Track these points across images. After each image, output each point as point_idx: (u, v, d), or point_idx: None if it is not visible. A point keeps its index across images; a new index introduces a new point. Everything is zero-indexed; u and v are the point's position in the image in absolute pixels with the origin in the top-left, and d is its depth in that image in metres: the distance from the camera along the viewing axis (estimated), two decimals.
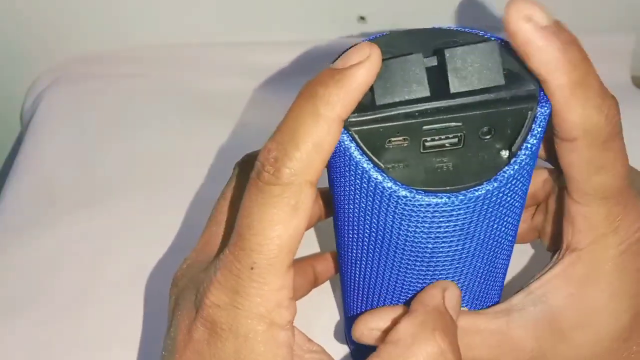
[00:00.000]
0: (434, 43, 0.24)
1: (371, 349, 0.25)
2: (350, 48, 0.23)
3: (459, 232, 0.24)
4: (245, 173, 0.28)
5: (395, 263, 0.26)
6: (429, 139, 0.23)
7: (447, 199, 0.23)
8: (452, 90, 0.23)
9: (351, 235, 0.27)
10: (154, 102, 0.53)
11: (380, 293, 0.28)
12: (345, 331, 0.37)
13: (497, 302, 0.31)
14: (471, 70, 0.23)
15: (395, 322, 0.26)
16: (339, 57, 0.23)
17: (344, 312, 0.33)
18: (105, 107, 0.53)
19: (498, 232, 0.25)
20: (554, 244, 0.31)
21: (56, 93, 0.54)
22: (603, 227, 0.26)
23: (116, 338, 0.38)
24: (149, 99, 0.53)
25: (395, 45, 0.24)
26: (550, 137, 0.25)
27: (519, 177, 0.24)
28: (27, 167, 0.49)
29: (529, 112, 0.23)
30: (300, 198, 0.23)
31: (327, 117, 0.22)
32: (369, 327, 0.26)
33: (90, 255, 0.42)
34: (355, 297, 0.30)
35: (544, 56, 0.22)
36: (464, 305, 0.29)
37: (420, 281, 0.26)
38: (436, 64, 0.23)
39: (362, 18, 0.55)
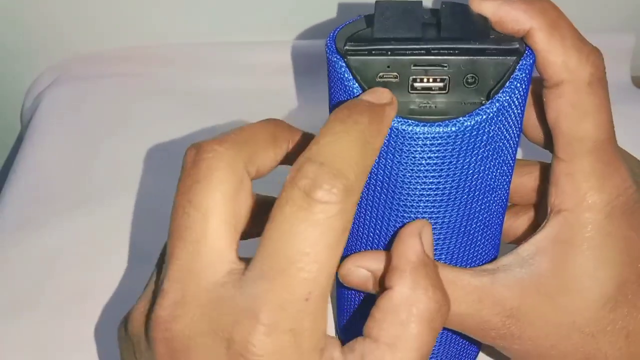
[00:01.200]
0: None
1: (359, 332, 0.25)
2: (378, 89, 0.24)
3: (434, 167, 0.25)
4: (200, 164, 0.26)
5: (379, 207, 0.27)
6: (417, 79, 0.25)
7: (422, 128, 0.24)
8: (443, 34, 0.25)
9: None
10: (154, 102, 0.53)
11: (369, 230, 0.28)
12: (335, 324, 0.37)
13: None
14: (463, 23, 0.25)
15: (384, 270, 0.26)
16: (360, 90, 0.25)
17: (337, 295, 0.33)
18: (105, 107, 0.53)
19: (478, 183, 0.26)
20: None
21: (56, 93, 0.54)
22: (586, 186, 0.26)
23: (116, 338, 0.38)
24: (148, 99, 0.53)
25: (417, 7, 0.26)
26: (542, 110, 0.27)
27: (497, 122, 0.25)
28: (27, 167, 0.49)
29: (512, 64, 0.25)
30: (350, 219, 0.22)
31: (373, 144, 0.23)
32: (356, 264, 0.27)
33: (90, 255, 0.42)
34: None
35: (513, 14, 0.25)
36: (445, 259, 0.29)
37: (402, 220, 0.27)
38: (435, 22, 0.25)
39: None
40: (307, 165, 0.21)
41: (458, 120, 0.24)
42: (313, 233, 0.21)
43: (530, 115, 0.29)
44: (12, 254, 0.43)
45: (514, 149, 0.27)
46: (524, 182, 0.32)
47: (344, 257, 0.30)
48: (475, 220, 0.27)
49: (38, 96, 0.55)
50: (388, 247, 0.28)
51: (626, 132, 0.53)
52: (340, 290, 0.31)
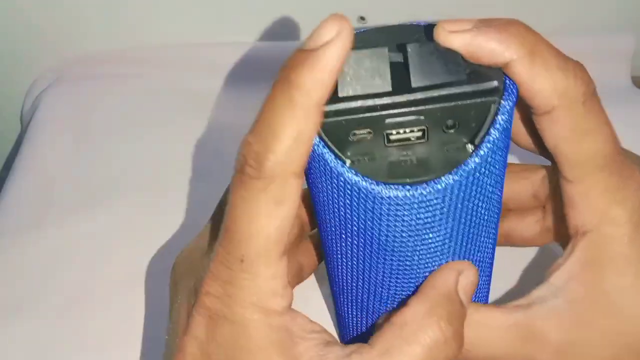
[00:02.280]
0: (406, 38, 0.24)
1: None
2: (320, 24, 0.22)
3: (425, 226, 0.24)
4: None
5: (372, 260, 0.26)
6: (393, 132, 0.23)
7: (406, 192, 0.23)
8: (414, 84, 0.23)
9: (329, 235, 0.27)
10: (154, 103, 0.53)
11: (363, 293, 0.28)
12: (337, 330, 0.37)
13: (486, 298, 0.31)
14: (433, 66, 0.23)
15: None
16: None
17: (336, 312, 0.33)
18: (105, 107, 0.53)
19: (470, 229, 0.25)
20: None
21: (56, 93, 0.54)
22: (604, 202, 0.25)
23: (116, 338, 0.38)
24: (149, 99, 0.53)
25: (370, 40, 0.24)
26: (534, 129, 0.25)
27: (482, 171, 0.23)
28: (27, 167, 0.49)
29: (492, 105, 0.23)
30: (285, 190, 0.22)
31: (304, 104, 0.21)
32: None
33: (90, 255, 0.42)
34: (343, 295, 0.30)
35: (488, 45, 0.23)
36: None
37: (398, 278, 0.26)
38: (402, 60, 0.24)
39: (362, 18, 0.55)
40: (243, 142, 0.23)
41: (442, 178, 0.23)
42: (243, 204, 0.23)
43: (518, 126, 0.28)
44: (12, 254, 0.43)
45: (501, 184, 0.26)
46: (520, 188, 0.31)
47: (344, 316, 0.31)
48: (469, 259, 0.27)
49: (38, 97, 0.55)
50: (383, 301, 0.28)
51: (626, 132, 0.53)
52: (330, 277, 0.31)
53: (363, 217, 0.24)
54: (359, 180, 0.23)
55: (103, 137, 0.50)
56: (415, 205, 0.23)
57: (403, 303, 0.27)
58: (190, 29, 0.56)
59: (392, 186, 0.23)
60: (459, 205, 0.24)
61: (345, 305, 0.31)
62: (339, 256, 0.28)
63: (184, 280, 0.28)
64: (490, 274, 0.30)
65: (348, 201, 0.24)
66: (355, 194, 0.23)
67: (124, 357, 0.37)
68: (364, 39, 0.24)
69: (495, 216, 0.27)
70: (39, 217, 0.45)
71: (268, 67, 0.55)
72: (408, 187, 0.23)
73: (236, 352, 0.24)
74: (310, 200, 0.27)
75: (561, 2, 0.55)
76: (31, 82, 0.57)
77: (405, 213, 0.23)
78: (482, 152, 0.23)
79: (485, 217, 0.26)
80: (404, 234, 0.24)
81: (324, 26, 0.21)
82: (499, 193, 0.26)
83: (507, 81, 0.24)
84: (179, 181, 0.46)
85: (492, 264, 0.29)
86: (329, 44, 0.21)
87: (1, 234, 0.44)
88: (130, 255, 0.42)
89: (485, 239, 0.27)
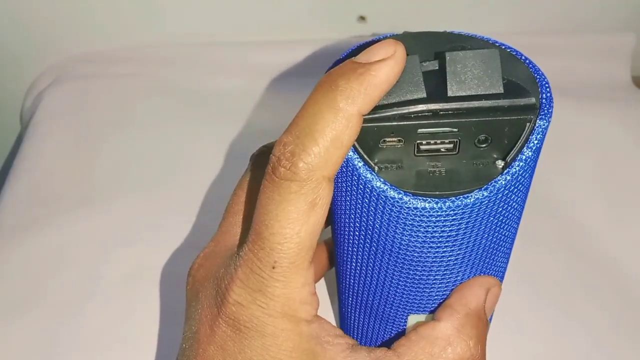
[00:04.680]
0: (442, 47, 0.24)
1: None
2: (375, 43, 0.22)
3: (448, 239, 0.24)
4: (260, 165, 0.28)
5: (389, 268, 0.26)
6: (424, 142, 0.23)
7: (434, 204, 0.22)
8: (450, 93, 0.22)
9: (346, 240, 0.27)
10: (154, 102, 0.53)
11: (374, 298, 0.28)
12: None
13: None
14: (470, 76, 0.22)
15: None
16: (362, 50, 0.22)
17: (340, 319, 0.33)
18: (105, 107, 0.53)
19: (490, 243, 0.25)
20: None
21: (56, 93, 0.54)
22: None
23: (116, 338, 0.38)
24: (148, 99, 0.53)
25: (406, 46, 0.24)
26: None
27: (511, 189, 0.23)
28: (27, 167, 0.49)
29: (527, 124, 0.23)
30: (319, 194, 0.22)
31: (347, 111, 0.21)
32: None
33: (89, 255, 0.42)
34: (352, 297, 0.30)
35: None
36: None
37: (413, 287, 0.26)
38: (437, 67, 0.23)
39: (362, 18, 0.55)
40: (277, 144, 0.23)
41: (472, 194, 0.22)
42: (276, 209, 0.23)
43: None
44: (12, 254, 0.43)
45: (524, 202, 0.25)
46: None
47: (350, 317, 0.31)
48: (488, 271, 0.27)
49: (38, 96, 0.55)
50: (394, 308, 0.28)
51: (626, 132, 0.53)
52: (340, 285, 0.31)
53: (386, 225, 0.24)
54: (386, 189, 0.23)
55: (103, 137, 0.50)
56: (442, 218, 0.23)
57: (422, 309, 0.27)
58: (190, 29, 0.56)
59: (420, 197, 0.22)
60: (484, 221, 0.24)
61: (352, 308, 0.31)
62: (354, 261, 0.27)
63: (204, 287, 0.27)
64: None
65: (373, 208, 0.24)
66: (382, 202, 0.23)
67: (124, 357, 0.37)
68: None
69: (514, 233, 0.26)
70: (39, 216, 0.45)
71: (268, 67, 0.55)
72: (436, 199, 0.22)
73: None
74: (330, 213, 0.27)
75: (562, 1, 0.55)
76: (31, 82, 0.57)
77: (430, 225, 0.23)
78: (513, 170, 0.23)
79: (506, 234, 0.26)
80: (425, 245, 0.24)
81: (381, 45, 0.22)
82: (521, 211, 0.25)
83: (544, 98, 0.23)
84: (178, 181, 0.46)
85: (503, 279, 0.30)
86: (383, 61, 0.21)
87: (1, 233, 0.44)
88: (130, 255, 0.42)
89: (502, 254, 0.27)
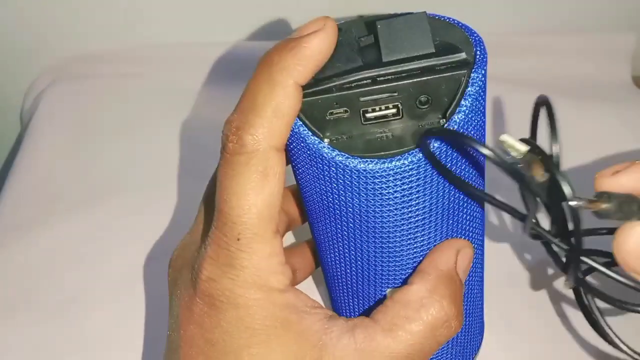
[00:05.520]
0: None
1: None
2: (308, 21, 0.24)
3: (402, 201, 0.24)
4: None
5: (357, 241, 0.26)
6: (368, 109, 0.24)
7: (381, 165, 0.23)
8: (385, 59, 0.23)
9: (316, 220, 0.27)
10: (154, 102, 0.53)
11: (352, 277, 0.29)
12: None
13: (481, 277, 0.31)
14: (402, 40, 0.23)
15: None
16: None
17: (331, 301, 0.33)
18: (104, 107, 0.53)
19: (450, 204, 0.25)
20: None
21: (56, 93, 0.54)
22: None
23: (116, 338, 0.38)
24: (148, 99, 0.53)
25: (343, 28, 0.25)
26: None
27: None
28: (26, 167, 0.49)
29: (462, 78, 0.23)
30: (268, 164, 0.23)
31: (282, 82, 0.23)
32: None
33: (89, 255, 0.42)
34: (334, 281, 0.30)
35: None
36: None
37: (384, 258, 0.27)
38: (373, 41, 0.24)
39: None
40: (225, 124, 0.24)
41: (415, 150, 0.23)
42: (230, 183, 0.24)
43: None
44: (12, 254, 0.43)
45: (476, 167, 0.26)
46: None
47: (338, 301, 0.31)
48: (455, 234, 0.27)
49: (38, 96, 0.55)
50: (372, 284, 0.28)
51: (626, 132, 0.53)
52: (323, 263, 0.31)
53: (343, 193, 0.24)
54: (335, 155, 0.24)
55: (102, 137, 0.50)
56: (392, 178, 0.24)
57: (398, 282, 0.27)
58: (190, 29, 0.56)
59: (366, 160, 0.23)
60: (434, 179, 0.24)
61: (337, 290, 0.31)
62: (327, 238, 0.28)
63: (182, 274, 0.28)
64: (483, 249, 0.30)
65: (328, 178, 0.24)
66: (333, 169, 0.24)
67: (124, 357, 0.37)
68: (346, 28, 0.25)
69: (479, 186, 0.27)
70: (39, 216, 0.45)
71: None
72: (383, 160, 0.23)
73: (243, 334, 0.25)
74: (300, 194, 0.28)
75: (562, 1, 0.55)
76: (31, 82, 0.57)
77: (383, 186, 0.24)
78: (454, 124, 0.23)
79: (460, 201, 0.26)
80: (384, 209, 0.25)
81: (312, 21, 0.23)
82: (479, 169, 0.26)
83: (478, 53, 0.24)
84: (178, 180, 0.46)
85: (483, 237, 0.30)
86: (312, 34, 0.23)
87: (1, 233, 0.44)
88: (130, 254, 0.42)
89: (469, 217, 0.27)
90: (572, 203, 0.23)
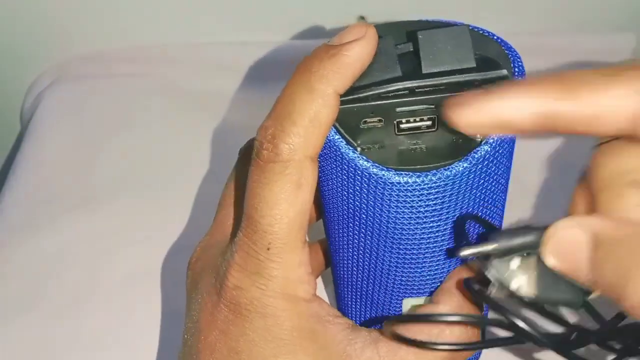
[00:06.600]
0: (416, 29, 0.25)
1: None
2: (348, 27, 0.23)
3: (433, 214, 0.24)
4: (248, 157, 0.29)
5: (379, 250, 0.26)
6: (403, 120, 0.24)
7: (416, 178, 0.23)
8: (424, 70, 0.23)
9: (336, 225, 0.27)
10: (154, 102, 0.53)
11: (368, 284, 0.28)
12: None
13: None
14: (443, 52, 0.23)
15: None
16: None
17: (337, 303, 0.33)
18: (105, 107, 0.53)
19: (478, 210, 0.25)
20: None
21: (56, 93, 0.54)
22: None
23: (116, 338, 0.38)
24: (148, 99, 0.53)
25: (382, 33, 0.25)
26: None
27: (491, 159, 0.24)
28: (27, 167, 0.49)
29: None
30: (303, 174, 0.23)
31: (322, 90, 0.22)
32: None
33: (90, 255, 0.42)
34: (347, 284, 0.30)
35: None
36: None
37: (405, 268, 0.27)
38: (412, 49, 0.24)
39: (362, 18, 0.55)
40: (259, 130, 0.23)
41: (452, 165, 0.23)
42: (263, 191, 0.23)
43: None
44: (12, 254, 0.43)
45: (508, 175, 0.26)
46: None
47: (346, 304, 0.31)
48: None
49: (38, 96, 0.55)
50: (388, 292, 0.28)
51: None
52: (336, 270, 0.31)
53: (372, 204, 0.24)
54: (369, 167, 0.23)
55: (103, 137, 0.50)
56: (425, 192, 0.23)
57: (415, 291, 0.27)
58: (190, 29, 0.56)
59: (402, 173, 0.23)
60: (467, 194, 0.24)
61: (348, 295, 0.31)
62: (345, 245, 0.28)
63: (203, 277, 0.27)
64: None
65: (358, 187, 0.24)
66: (366, 180, 0.24)
67: (123, 357, 0.37)
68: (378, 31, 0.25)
69: (501, 209, 0.27)
70: (39, 216, 0.45)
71: (268, 66, 0.55)
72: (418, 173, 0.23)
73: (269, 345, 0.24)
74: (319, 195, 0.27)
75: (562, 1, 0.55)
76: (31, 81, 0.57)
77: (414, 200, 0.24)
78: (491, 140, 0.23)
79: (491, 208, 0.26)
80: (411, 221, 0.24)
81: (352, 27, 0.23)
82: (505, 184, 0.26)
83: (516, 70, 0.24)
84: (179, 180, 0.46)
85: None
86: (354, 42, 0.22)
87: (1, 233, 0.44)
88: (130, 255, 0.42)
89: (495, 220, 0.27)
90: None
